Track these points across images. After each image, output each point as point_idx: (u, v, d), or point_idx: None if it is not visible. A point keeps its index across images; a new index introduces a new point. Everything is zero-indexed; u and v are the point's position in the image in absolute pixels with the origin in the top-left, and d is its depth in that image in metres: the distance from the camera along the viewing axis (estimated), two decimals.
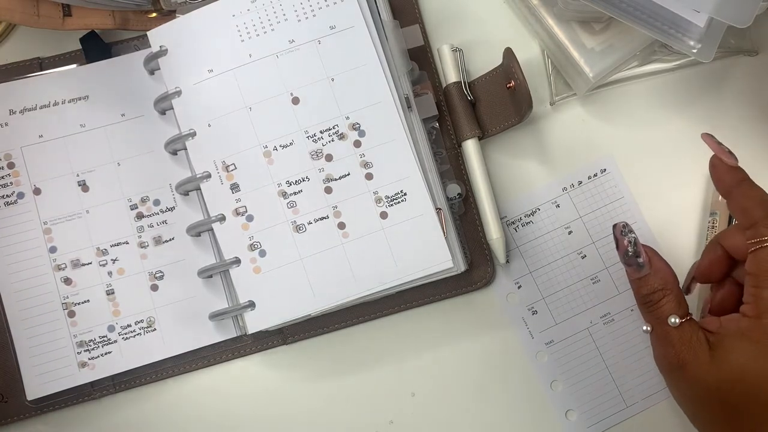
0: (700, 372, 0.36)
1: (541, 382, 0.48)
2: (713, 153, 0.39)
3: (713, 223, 0.48)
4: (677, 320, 0.37)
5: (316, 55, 0.46)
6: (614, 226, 0.39)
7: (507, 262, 0.48)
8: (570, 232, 0.49)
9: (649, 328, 0.39)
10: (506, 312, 0.48)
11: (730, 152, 0.39)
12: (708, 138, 0.39)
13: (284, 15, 0.47)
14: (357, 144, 0.46)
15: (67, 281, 0.47)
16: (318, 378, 0.48)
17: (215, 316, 0.46)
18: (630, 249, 0.38)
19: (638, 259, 0.38)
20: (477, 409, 0.48)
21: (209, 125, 0.46)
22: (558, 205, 0.49)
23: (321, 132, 0.46)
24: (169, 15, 0.49)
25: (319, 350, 0.48)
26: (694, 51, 0.42)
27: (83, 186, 0.48)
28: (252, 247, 0.45)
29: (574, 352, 0.48)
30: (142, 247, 0.47)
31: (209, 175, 0.46)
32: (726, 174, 0.38)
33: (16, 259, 0.47)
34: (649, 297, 0.38)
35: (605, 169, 0.50)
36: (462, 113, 0.48)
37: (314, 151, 0.46)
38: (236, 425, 0.48)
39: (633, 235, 0.39)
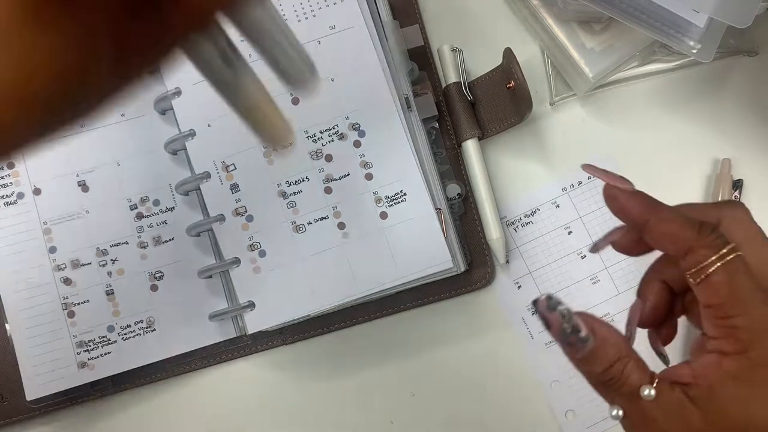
0: None
1: (541, 383, 0.48)
2: (604, 183, 0.33)
3: None
4: (652, 391, 0.29)
5: (316, 55, 0.46)
6: (535, 302, 0.31)
7: (507, 262, 0.48)
8: (570, 233, 0.49)
9: (620, 412, 0.30)
10: (506, 312, 0.48)
11: (622, 177, 0.33)
12: (590, 168, 0.33)
13: (284, 15, 0.47)
14: (357, 144, 0.46)
15: (67, 281, 0.47)
16: (318, 378, 0.48)
17: (215, 316, 0.46)
18: (566, 325, 0.30)
19: (579, 333, 0.30)
20: (477, 409, 0.48)
21: (209, 125, 0.46)
22: (558, 206, 0.49)
23: (321, 132, 0.46)
24: None
25: (318, 350, 0.48)
26: (694, 51, 0.42)
27: (83, 186, 0.48)
28: (252, 247, 0.45)
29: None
30: (141, 248, 0.47)
31: (209, 175, 0.46)
32: (631, 201, 0.32)
33: (16, 259, 0.47)
34: (607, 374, 0.30)
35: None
36: (462, 113, 0.48)
37: (314, 151, 0.46)
38: (236, 425, 0.48)
39: (563, 307, 0.30)
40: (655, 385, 0.29)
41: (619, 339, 0.31)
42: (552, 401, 0.47)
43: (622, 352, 0.30)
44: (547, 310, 0.30)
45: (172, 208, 0.48)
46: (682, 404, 0.29)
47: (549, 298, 0.30)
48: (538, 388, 0.48)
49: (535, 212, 0.49)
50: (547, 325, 0.31)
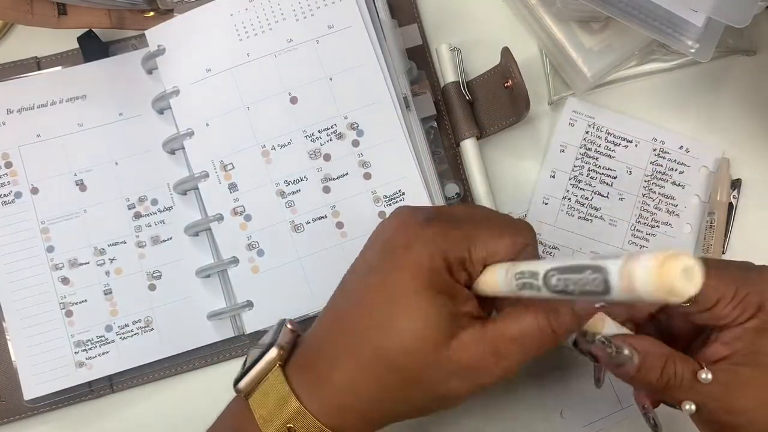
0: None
1: (538, 381, 0.48)
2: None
3: (711, 222, 0.48)
4: (708, 375, 0.32)
5: (315, 54, 0.46)
6: (575, 342, 0.34)
7: None
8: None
9: (692, 407, 0.33)
10: None
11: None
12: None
13: (282, 14, 0.47)
14: (355, 143, 0.46)
15: (65, 281, 0.47)
16: None
17: (213, 315, 0.46)
18: (609, 350, 0.33)
19: (623, 352, 0.33)
20: (474, 408, 0.47)
21: (207, 124, 0.46)
22: None
23: (319, 131, 0.46)
24: (166, 14, 0.49)
25: None
26: (692, 51, 0.42)
27: (81, 185, 0.48)
28: (250, 246, 0.45)
29: (571, 350, 0.48)
30: (139, 247, 0.47)
31: (207, 175, 0.46)
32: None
33: (14, 258, 0.47)
34: (663, 378, 0.33)
35: None
36: (460, 113, 0.48)
37: (312, 150, 0.46)
38: None
39: (599, 336, 0.33)
40: (705, 367, 0.32)
41: (657, 344, 0.33)
42: (548, 400, 0.47)
43: (665, 354, 0.33)
44: (588, 344, 0.33)
45: (170, 208, 0.48)
46: (736, 373, 0.32)
47: (584, 333, 0.33)
48: (535, 387, 0.48)
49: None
50: (595, 358, 0.33)
